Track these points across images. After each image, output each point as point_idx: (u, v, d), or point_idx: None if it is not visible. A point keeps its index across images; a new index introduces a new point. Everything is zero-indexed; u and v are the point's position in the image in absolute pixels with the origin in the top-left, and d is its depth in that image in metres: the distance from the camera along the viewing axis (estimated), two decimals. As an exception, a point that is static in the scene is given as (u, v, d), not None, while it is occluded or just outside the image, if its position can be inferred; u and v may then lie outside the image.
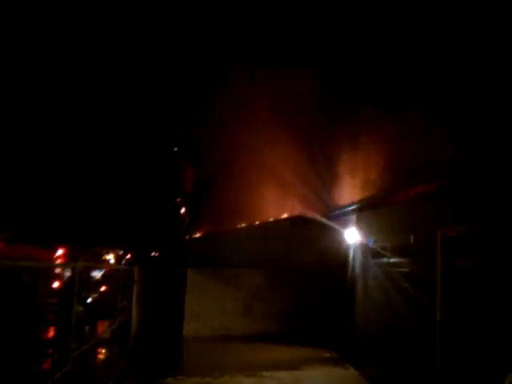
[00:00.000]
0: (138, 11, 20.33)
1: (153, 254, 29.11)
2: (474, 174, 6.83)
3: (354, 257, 10.72)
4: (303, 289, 12.24)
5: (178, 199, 24.41)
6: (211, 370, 8.18)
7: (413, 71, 12.78)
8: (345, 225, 11.16)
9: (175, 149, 23.28)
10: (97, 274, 22.57)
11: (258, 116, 16.07)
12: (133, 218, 28.14)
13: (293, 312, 11.96)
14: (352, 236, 10.72)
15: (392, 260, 9.10)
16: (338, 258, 11.50)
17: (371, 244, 10.01)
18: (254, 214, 15.19)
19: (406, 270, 8.47)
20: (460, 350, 6.68)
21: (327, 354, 9.90)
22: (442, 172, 7.66)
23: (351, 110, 14.03)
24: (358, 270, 10.51)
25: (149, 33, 20.62)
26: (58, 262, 21.45)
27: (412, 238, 8.27)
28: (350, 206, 11.09)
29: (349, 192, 13.49)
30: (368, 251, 10.21)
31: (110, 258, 28.79)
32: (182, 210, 23.88)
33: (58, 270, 19.79)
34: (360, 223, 10.56)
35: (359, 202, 10.65)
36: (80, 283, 4.75)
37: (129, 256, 30.05)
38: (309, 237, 12.49)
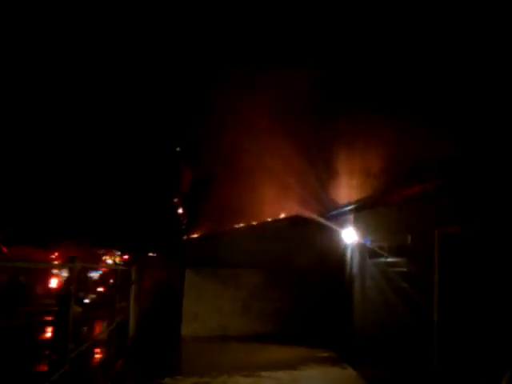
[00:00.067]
0: (140, 13, 20.34)
1: (150, 254, 29.11)
2: (471, 174, 6.85)
3: (352, 257, 10.74)
4: (301, 289, 12.26)
5: (176, 199, 24.41)
6: (209, 370, 8.19)
7: (410, 71, 12.81)
8: (342, 225, 11.18)
9: (177, 149, 23.27)
10: (94, 275, 22.55)
11: (257, 117, 16.07)
12: (130, 218, 28.11)
13: (291, 312, 11.97)
14: (349, 236, 10.74)
15: (389, 260, 9.12)
16: (335, 257, 11.52)
17: (369, 244, 10.03)
18: (252, 214, 15.19)
19: (404, 269, 8.49)
20: (457, 349, 6.69)
21: (325, 354, 9.90)
22: (440, 172, 7.67)
23: (349, 110, 14.04)
24: (355, 269, 10.52)
25: (150, 33, 20.64)
26: (56, 262, 21.42)
27: (409, 237, 8.29)
28: (347, 205, 11.10)
29: (346, 192, 13.49)
30: (365, 251, 10.23)
31: (110, 261, 28.74)
32: (180, 211, 23.87)
33: (55, 270, 19.76)
34: (357, 223, 10.58)
35: (357, 201, 10.66)
36: (78, 284, 4.75)
37: (126, 256, 30.02)
38: (307, 237, 12.50)
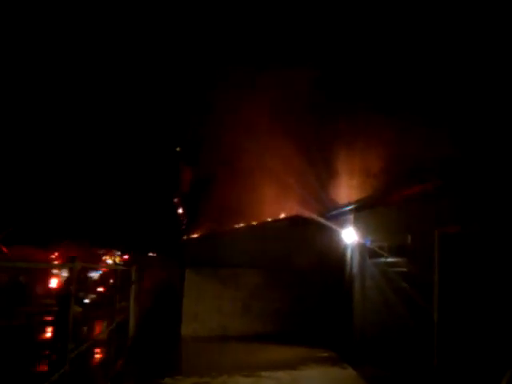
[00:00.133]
0: (140, 13, 20.35)
1: (150, 254, 29.11)
2: (471, 175, 6.85)
3: (352, 257, 10.74)
4: (301, 289, 12.25)
5: (176, 199, 24.41)
6: (209, 370, 8.19)
7: (410, 72, 12.81)
8: (342, 225, 11.18)
9: (177, 149, 23.27)
10: (94, 275, 22.56)
11: (257, 117, 16.07)
12: (130, 218, 28.12)
13: (291, 312, 11.97)
14: (349, 236, 10.74)
15: (389, 260, 9.12)
16: (336, 257, 11.52)
17: (369, 244, 10.03)
18: (252, 214, 15.18)
19: (404, 269, 8.49)
20: (457, 349, 6.69)
21: (325, 354, 9.90)
22: (440, 172, 7.67)
23: (349, 110, 14.04)
24: (355, 269, 10.52)
25: (150, 34, 20.65)
26: (56, 262, 21.42)
27: (409, 237, 8.29)
28: (347, 205, 11.10)
29: (346, 192, 13.49)
30: (365, 251, 10.23)
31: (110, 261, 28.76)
32: (180, 211, 23.87)
33: (55, 270, 19.76)
34: (357, 223, 10.58)
35: (357, 201, 10.66)
36: (78, 284, 4.75)
37: (126, 256, 30.03)
38: (307, 237, 12.50)
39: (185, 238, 17.46)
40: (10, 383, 7.63)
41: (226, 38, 17.33)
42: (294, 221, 12.87)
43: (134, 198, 28.39)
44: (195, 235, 16.48)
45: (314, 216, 12.22)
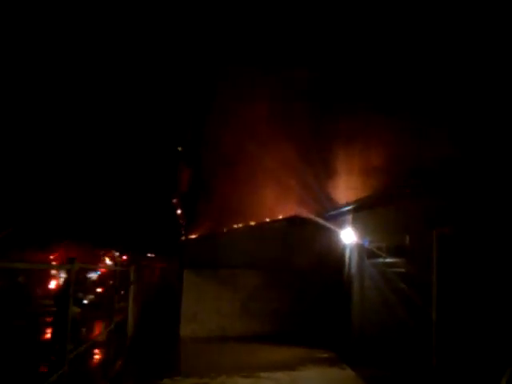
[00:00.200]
0: (141, 13, 20.36)
1: (149, 255, 29.11)
2: (470, 175, 6.87)
3: (350, 257, 10.75)
4: (300, 289, 12.25)
5: (175, 200, 24.40)
6: (208, 370, 8.18)
7: (410, 71, 12.83)
8: (341, 225, 11.19)
9: (179, 148, 23.28)
10: (93, 276, 22.55)
11: (256, 117, 16.08)
12: (129, 219, 28.10)
13: (290, 312, 11.97)
14: (348, 236, 10.75)
15: (388, 260, 9.13)
16: (334, 258, 11.53)
17: (367, 244, 10.04)
18: (251, 215, 15.19)
19: (402, 270, 8.50)
20: (456, 349, 6.71)
21: (324, 355, 9.91)
22: (438, 173, 7.69)
23: (349, 110, 14.05)
24: (354, 270, 10.54)
25: (151, 34, 20.66)
26: (55, 263, 21.40)
27: (408, 238, 8.31)
28: (346, 206, 11.12)
29: (345, 192, 13.50)
30: (364, 251, 10.24)
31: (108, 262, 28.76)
32: (179, 211, 23.86)
33: (54, 271, 19.76)
34: (356, 223, 10.59)
35: (355, 202, 10.68)
36: (76, 284, 4.75)
37: (125, 257, 30.02)
38: (306, 237, 12.50)
39: (183, 238, 17.47)
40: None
41: (228, 38, 17.34)
42: (293, 221, 12.88)
43: (133, 198, 28.38)
44: (194, 236, 16.48)
45: (313, 216, 12.23)
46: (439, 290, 7.33)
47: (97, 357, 9.83)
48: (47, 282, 21.36)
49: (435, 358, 7.22)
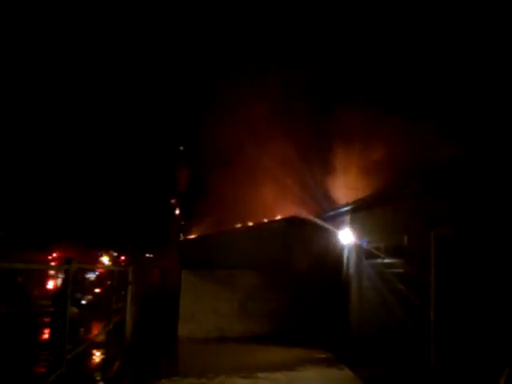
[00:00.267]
0: (141, 13, 20.36)
1: (147, 255, 29.06)
2: (469, 175, 6.88)
3: (349, 257, 10.74)
4: (298, 289, 12.25)
5: (173, 200, 24.39)
6: (206, 371, 8.17)
7: (410, 72, 12.84)
8: (339, 226, 11.19)
9: (181, 148, 23.30)
10: (91, 276, 22.51)
11: (256, 116, 16.08)
12: (127, 219, 28.06)
13: (288, 312, 11.97)
14: (346, 237, 10.75)
15: (386, 261, 9.14)
16: (333, 258, 11.53)
17: (365, 245, 10.05)
18: (249, 215, 15.19)
19: (400, 270, 8.51)
20: (454, 349, 6.72)
21: (322, 355, 9.91)
22: (437, 173, 7.69)
23: (349, 110, 14.05)
24: (352, 270, 10.53)
25: (152, 34, 20.65)
26: (53, 263, 21.37)
27: (406, 238, 8.31)
28: (344, 206, 11.12)
29: (345, 193, 13.50)
30: (362, 252, 10.24)
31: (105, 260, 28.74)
32: (177, 211, 23.86)
33: (52, 272, 19.74)
34: (354, 224, 10.58)
35: (353, 202, 10.68)
36: (74, 285, 4.75)
37: (123, 257, 29.97)
38: (304, 237, 12.50)
39: (182, 238, 17.45)
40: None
41: (228, 38, 17.35)
42: (292, 222, 12.88)
43: (131, 198, 28.36)
44: (192, 236, 16.48)
45: (311, 217, 12.23)
46: (437, 290, 7.34)
47: (95, 357, 9.81)
48: (45, 283, 21.34)
49: (433, 358, 7.22)
